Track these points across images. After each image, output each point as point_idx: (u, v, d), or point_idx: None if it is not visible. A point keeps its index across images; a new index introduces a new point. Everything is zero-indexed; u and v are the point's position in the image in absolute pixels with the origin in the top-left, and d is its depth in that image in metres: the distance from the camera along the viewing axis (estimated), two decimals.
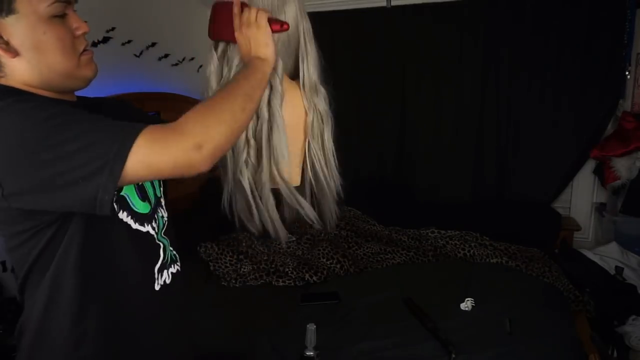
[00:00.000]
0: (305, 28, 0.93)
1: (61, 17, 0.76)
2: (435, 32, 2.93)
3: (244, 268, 2.16)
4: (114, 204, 0.76)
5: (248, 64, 0.85)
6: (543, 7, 2.72)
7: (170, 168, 0.68)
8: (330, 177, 0.99)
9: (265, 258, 2.22)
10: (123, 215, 0.78)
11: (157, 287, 0.84)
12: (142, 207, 0.83)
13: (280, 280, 2.06)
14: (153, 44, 2.66)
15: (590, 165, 2.92)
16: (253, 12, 0.85)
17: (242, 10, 0.86)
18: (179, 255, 0.94)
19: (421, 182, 3.11)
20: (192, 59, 3.08)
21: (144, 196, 0.84)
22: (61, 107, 0.70)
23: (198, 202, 2.81)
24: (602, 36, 2.64)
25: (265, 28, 0.84)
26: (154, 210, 0.86)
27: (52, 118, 0.66)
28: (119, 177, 0.64)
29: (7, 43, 0.72)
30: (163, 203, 0.94)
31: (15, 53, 0.73)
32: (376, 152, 3.19)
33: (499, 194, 2.98)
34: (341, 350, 1.50)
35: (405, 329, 1.60)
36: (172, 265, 0.90)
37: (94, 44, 2.21)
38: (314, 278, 2.07)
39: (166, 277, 0.87)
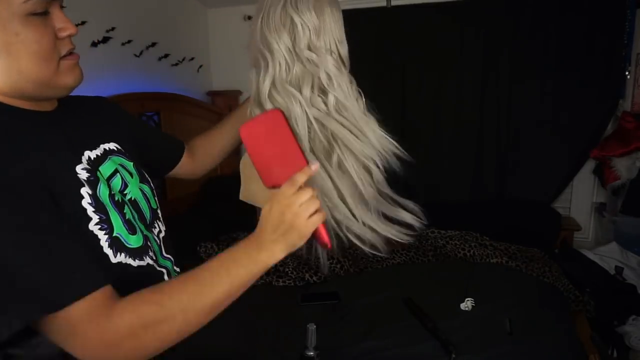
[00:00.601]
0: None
1: (42, 14, 0.64)
2: (435, 32, 2.93)
3: None
4: (109, 248, 0.70)
5: (253, 245, 0.69)
6: (543, 7, 2.72)
7: (78, 354, 0.60)
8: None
9: None
10: (121, 258, 0.71)
11: None
12: (134, 241, 0.75)
13: (280, 280, 2.05)
14: (153, 44, 2.66)
15: (590, 165, 2.92)
16: (314, 204, 0.69)
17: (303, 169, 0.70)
18: (180, 269, 0.89)
19: (421, 182, 3.11)
20: (192, 59, 3.08)
21: (132, 229, 0.76)
22: (23, 218, 0.59)
23: (198, 202, 2.81)
24: (602, 36, 2.64)
25: (310, 232, 0.70)
26: (146, 238, 0.79)
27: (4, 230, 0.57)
28: (14, 331, 0.58)
29: None
30: (160, 214, 0.89)
31: None
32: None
33: (499, 194, 2.98)
34: (341, 350, 1.50)
35: (405, 329, 1.59)
36: None
37: (94, 44, 2.20)
38: (314, 278, 2.07)
39: None
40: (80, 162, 0.72)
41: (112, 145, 0.82)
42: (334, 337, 1.56)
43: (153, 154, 0.96)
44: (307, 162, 0.71)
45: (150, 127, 1.02)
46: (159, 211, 0.88)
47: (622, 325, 2.07)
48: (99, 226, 0.68)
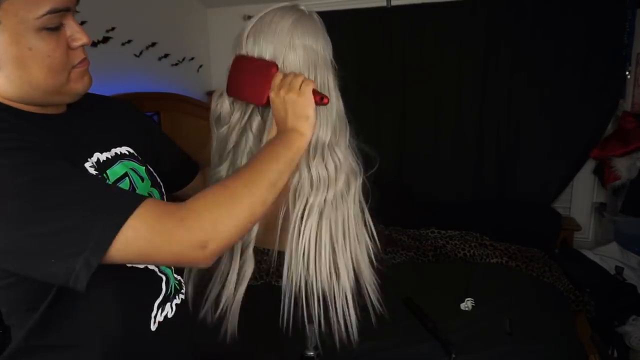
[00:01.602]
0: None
1: (55, 29, 0.64)
2: (435, 31, 2.93)
3: None
4: None
5: (282, 135, 0.76)
6: (543, 7, 2.72)
7: (166, 261, 0.62)
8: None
9: (265, 258, 2.22)
10: None
11: (155, 326, 0.78)
12: None
13: (280, 280, 2.05)
14: (153, 44, 2.66)
15: (590, 165, 2.92)
16: (299, 78, 0.78)
17: (272, 73, 0.80)
18: (180, 276, 0.88)
19: (421, 182, 3.11)
20: (192, 59, 3.08)
21: None
22: (49, 169, 0.59)
23: None
24: (602, 36, 2.64)
25: (309, 98, 0.77)
26: None
27: (36, 184, 0.57)
28: (95, 266, 0.56)
29: None
30: None
31: None
32: (376, 151, 3.18)
33: (499, 194, 2.98)
34: (341, 350, 1.50)
35: (405, 329, 1.59)
36: (177, 296, 0.85)
37: (94, 44, 2.20)
38: None
39: (168, 310, 0.81)
40: (87, 161, 0.71)
41: (124, 150, 0.80)
42: (334, 337, 1.56)
43: (167, 168, 0.94)
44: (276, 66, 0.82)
45: (171, 141, 1.01)
46: None
47: (622, 325, 2.07)
48: None
